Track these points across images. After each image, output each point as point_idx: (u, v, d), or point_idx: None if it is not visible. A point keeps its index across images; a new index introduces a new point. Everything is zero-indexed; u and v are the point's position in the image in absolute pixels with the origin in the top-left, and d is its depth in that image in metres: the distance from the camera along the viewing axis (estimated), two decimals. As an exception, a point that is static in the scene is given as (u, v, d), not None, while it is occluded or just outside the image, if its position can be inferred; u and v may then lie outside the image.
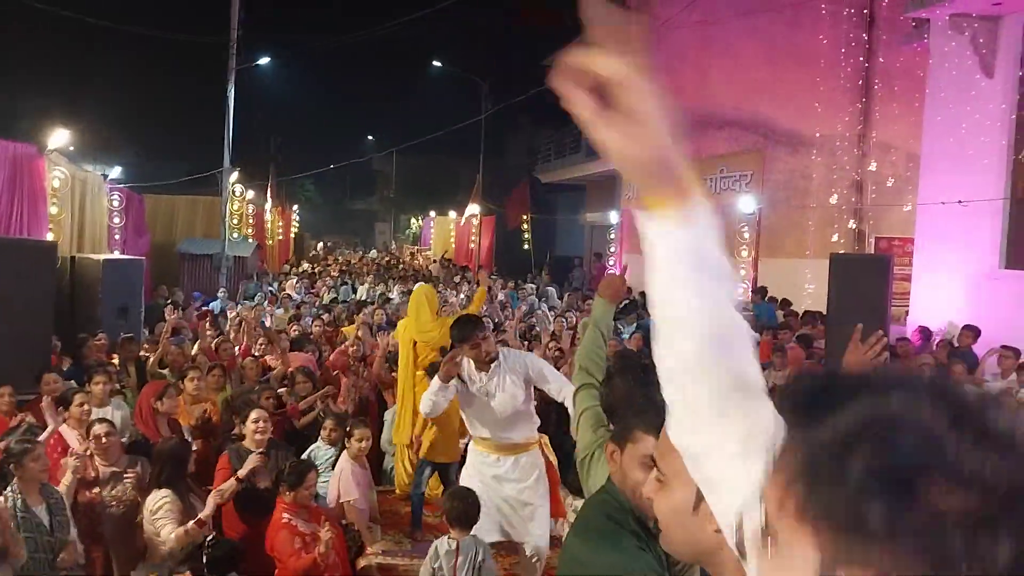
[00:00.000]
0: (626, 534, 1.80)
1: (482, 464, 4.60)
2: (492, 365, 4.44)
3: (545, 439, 5.10)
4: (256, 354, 7.43)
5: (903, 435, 0.58)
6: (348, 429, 5.50)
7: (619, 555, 1.77)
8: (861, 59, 13.46)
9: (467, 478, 4.64)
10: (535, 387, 4.59)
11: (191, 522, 4.09)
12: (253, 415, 4.90)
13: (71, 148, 9.22)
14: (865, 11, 13.43)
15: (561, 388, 4.70)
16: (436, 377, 4.48)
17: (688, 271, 0.88)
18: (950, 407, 0.60)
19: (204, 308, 11.21)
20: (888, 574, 0.56)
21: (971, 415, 0.59)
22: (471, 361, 4.47)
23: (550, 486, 4.80)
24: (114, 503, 4.39)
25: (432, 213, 34.74)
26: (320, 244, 38.63)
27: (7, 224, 7.83)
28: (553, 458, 5.03)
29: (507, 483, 4.55)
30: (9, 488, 3.84)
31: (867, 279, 7.82)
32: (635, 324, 10.32)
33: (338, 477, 5.30)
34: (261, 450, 4.73)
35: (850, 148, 13.68)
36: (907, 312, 10.61)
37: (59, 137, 8.88)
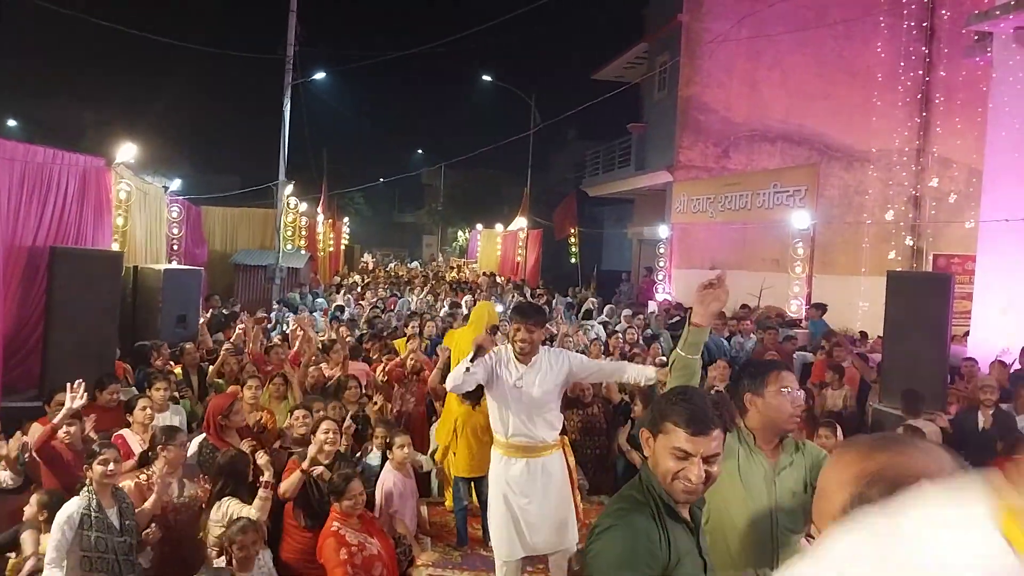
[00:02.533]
0: (637, 512, 1.98)
1: (506, 472, 4.49)
2: (533, 358, 4.43)
3: (566, 440, 5.03)
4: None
5: None
6: (388, 439, 5.55)
7: (619, 526, 1.94)
8: (920, 72, 13.17)
9: (494, 496, 4.59)
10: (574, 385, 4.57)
11: (261, 489, 4.37)
12: (324, 425, 4.98)
13: (132, 160, 9.51)
14: (925, 24, 13.16)
15: (602, 367, 4.84)
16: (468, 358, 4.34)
17: None
18: None
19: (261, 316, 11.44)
20: None
21: None
22: (513, 351, 4.46)
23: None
24: (180, 510, 4.52)
25: (479, 226, 34.95)
26: (369, 256, 39.09)
27: (76, 234, 8.10)
28: (572, 461, 4.96)
29: (532, 490, 4.45)
30: (85, 489, 4.00)
31: (926, 298, 7.62)
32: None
33: (381, 487, 5.35)
34: (327, 461, 4.83)
35: (908, 163, 13.38)
36: (967, 332, 10.28)
37: (126, 151, 9.19)
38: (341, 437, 5.10)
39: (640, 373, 4.54)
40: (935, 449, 1.11)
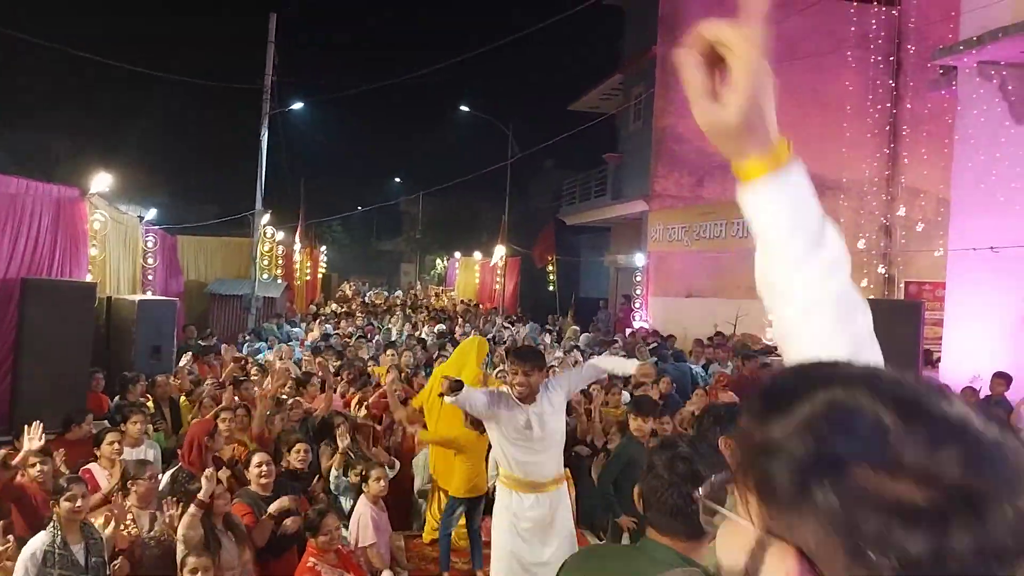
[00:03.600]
0: None
1: (514, 505, 4.51)
2: (536, 398, 4.44)
3: (568, 472, 5.05)
4: (283, 396, 7.43)
5: (842, 421, 0.59)
6: (363, 472, 5.50)
7: None
8: (888, 104, 13.51)
9: (498, 527, 4.60)
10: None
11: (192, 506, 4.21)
12: (255, 459, 4.93)
13: (107, 190, 9.45)
14: (892, 58, 13.52)
15: (589, 375, 4.98)
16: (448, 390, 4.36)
17: (786, 238, 0.93)
18: (895, 399, 0.59)
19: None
20: (804, 546, 0.57)
21: (915, 409, 0.59)
22: (512, 394, 4.46)
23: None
24: (152, 543, 4.42)
25: (457, 254, 34.98)
26: (348, 285, 38.90)
27: (49, 266, 8.01)
28: (574, 492, 4.98)
29: (538, 525, 4.49)
30: (52, 524, 3.92)
31: (898, 325, 7.75)
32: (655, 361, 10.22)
33: (357, 521, 5.30)
34: (268, 494, 4.79)
35: (878, 193, 13.66)
36: (938, 358, 10.45)
37: (101, 180, 9.13)
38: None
39: (621, 366, 4.59)
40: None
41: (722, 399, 6.99)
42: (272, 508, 4.57)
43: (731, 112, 0.88)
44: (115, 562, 4.09)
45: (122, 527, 4.33)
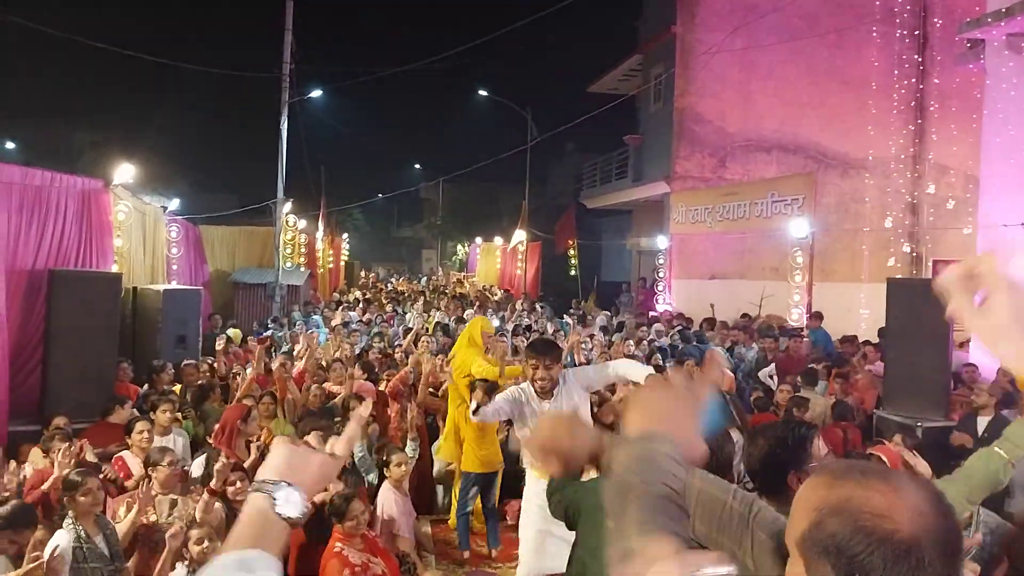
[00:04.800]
0: None
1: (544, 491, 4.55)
2: (555, 390, 4.43)
3: None
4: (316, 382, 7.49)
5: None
6: (385, 456, 5.51)
7: None
8: (914, 80, 13.23)
9: (528, 510, 4.61)
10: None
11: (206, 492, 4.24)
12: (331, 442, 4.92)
13: (130, 180, 9.52)
14: (917, 32, 13.23)
15: (609, 375, 4.84)
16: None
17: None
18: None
19: (263, 336, 11.38)
20: None
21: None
22: (534, 389, 4.46)
23: None
24: (166, 529, 4.46)
25: (478, 240, 34.93)
26: (372, 273, 38.99)
27: (76, 257, 8.10)
28: None
29: None
30: (68, 521, 3.91)
31: (927, 304, 7.60)
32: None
33: (381, 506, 5.33)
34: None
35: (904, 170, 13.42)
36: (970, 339, 10.27)
37: (124, 172, 9.20)
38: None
39: (640, 373, 4.59)
40: (911, 484, 1.05)
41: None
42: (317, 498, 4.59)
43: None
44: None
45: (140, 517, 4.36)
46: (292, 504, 1.18)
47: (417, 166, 48.54)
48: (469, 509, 6.12)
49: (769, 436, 2.32)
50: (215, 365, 8.16)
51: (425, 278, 36.14)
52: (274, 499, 1.17)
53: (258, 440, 5.68)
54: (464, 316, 13.83)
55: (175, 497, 4.58)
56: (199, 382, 7.34)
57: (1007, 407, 6.68)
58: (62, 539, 3.80)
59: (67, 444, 4.71)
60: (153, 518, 4.45)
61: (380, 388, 7.40)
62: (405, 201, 45.55)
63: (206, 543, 3.87)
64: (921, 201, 13.37)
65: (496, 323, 11.53)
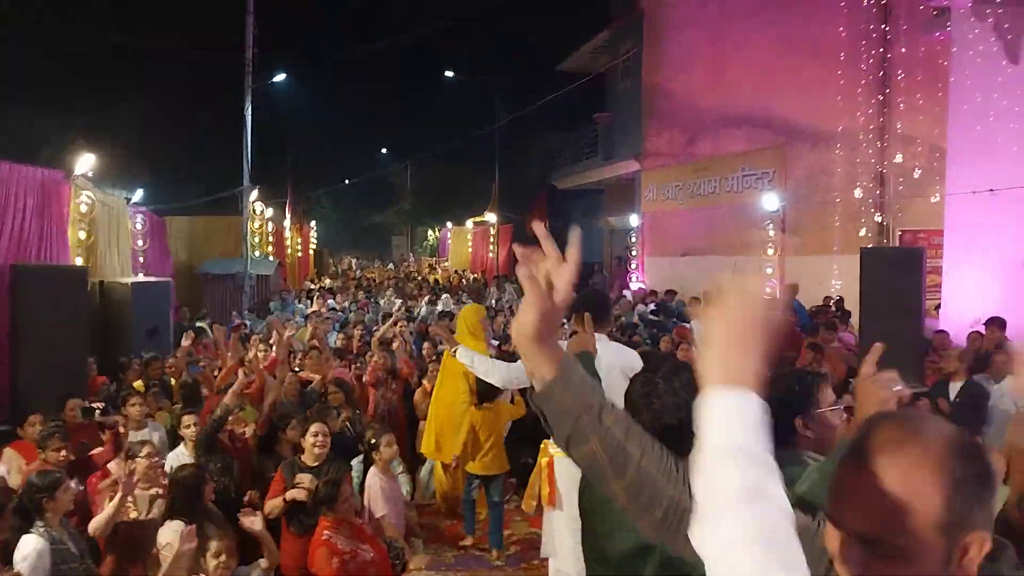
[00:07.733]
0: None
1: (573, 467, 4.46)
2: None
3: None
4: (296, 369, 7.37)
5: None
6: (373, 440, 5.41)
7: None
8: (881, 50, 13.30)
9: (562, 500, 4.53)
10: None
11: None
12: (313, 428, 4.85)
13: (91, 172, 9.25)
14: (883, 1, 13.28)
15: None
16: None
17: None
18: None
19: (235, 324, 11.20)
20: None
21: None
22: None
23: None
24: (142, 527, 4.35)
25: (449, 224, 34.74)
26: (346, 261, 38.56)
27: (36, 250, 7.85)
28: None
29: None
30: (39, 524, 3.77)
31: (899, 273, 7.70)
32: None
33: (368, 492, 5.25)
34: (315, 464, 4.72)
35: (873, 141, 13.51)
36: (938, 305, 10.42)
37: (85, 162, 8.93)
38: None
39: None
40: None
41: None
42: (289, 496, 4.51)
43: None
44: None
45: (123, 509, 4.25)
46: None
47: (384, 150, 47.99)
48: (474, 496, 6.10)
49: (776, 383, 2.32)
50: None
51: (394, 265, 35.92)
52: None
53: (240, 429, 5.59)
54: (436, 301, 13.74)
55: (157, 490, 4.45)
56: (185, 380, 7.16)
57: (979, 371, 6.78)
58: (37, 544, 3.67)
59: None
60: (134, 515, 4.33)
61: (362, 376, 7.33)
62: (373, 187, 45.04)
63: (223, 557, 3.76)
64: (889, 171, 13.49)
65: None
